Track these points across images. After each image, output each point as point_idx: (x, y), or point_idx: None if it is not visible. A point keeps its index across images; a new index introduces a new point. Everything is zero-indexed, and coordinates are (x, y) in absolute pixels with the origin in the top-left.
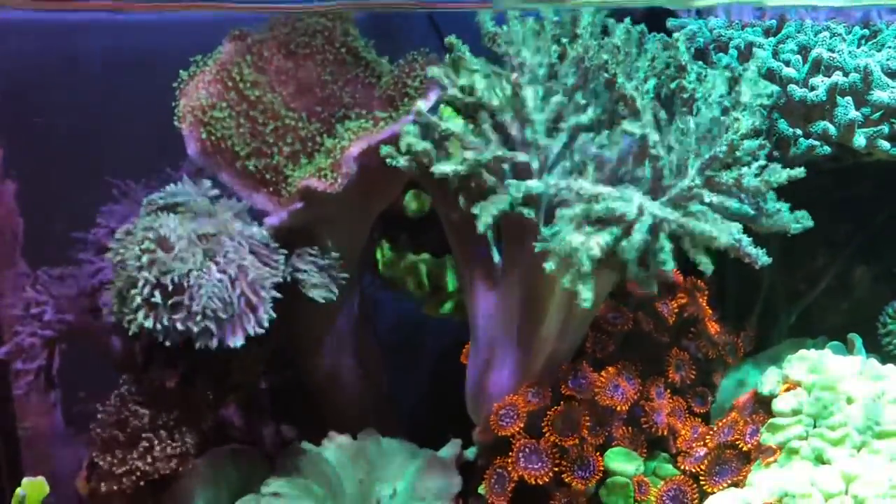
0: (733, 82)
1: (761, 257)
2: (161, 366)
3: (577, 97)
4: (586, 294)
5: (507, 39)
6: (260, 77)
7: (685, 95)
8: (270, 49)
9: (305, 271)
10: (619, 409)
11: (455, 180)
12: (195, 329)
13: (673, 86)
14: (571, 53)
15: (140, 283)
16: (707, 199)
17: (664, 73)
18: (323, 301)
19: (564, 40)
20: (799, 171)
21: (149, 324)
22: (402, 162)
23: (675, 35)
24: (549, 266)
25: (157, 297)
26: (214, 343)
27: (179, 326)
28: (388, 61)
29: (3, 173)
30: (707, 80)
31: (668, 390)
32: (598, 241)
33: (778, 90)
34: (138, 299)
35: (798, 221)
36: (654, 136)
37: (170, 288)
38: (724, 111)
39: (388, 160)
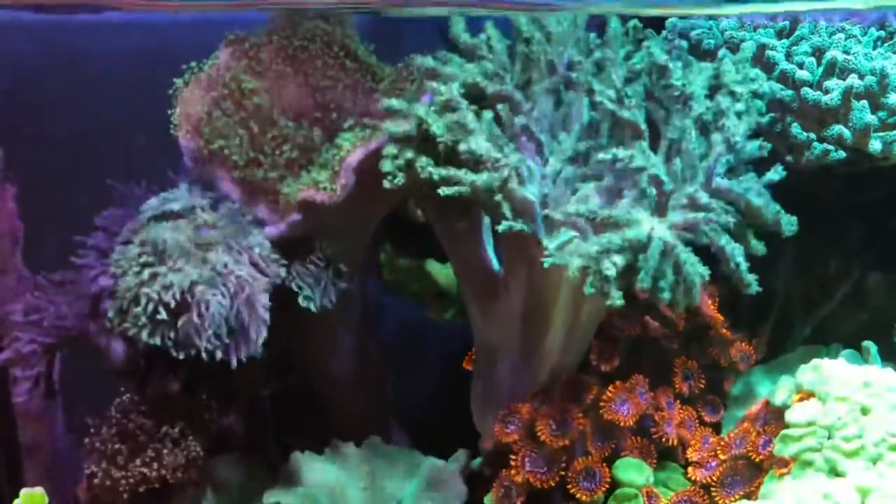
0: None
1: (753, 286)
2: (162, 373)
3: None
4: (616, 294)
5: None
6: (257, 83)
7: (676, 93)
8: (268, 53)
9: (302, 281)
10: (623, 424)
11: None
12: (201, 345)
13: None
14: (541, 56)
15: (143, 301)
16: (716, 211)
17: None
18: (316, 310)
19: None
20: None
21: (155, 341)
22: (400, 178)
23: (647, 42)
24: (572, 274)
25: (162, 313)
26: (219, 356)
27: (186, 342)
28: (390, 65)
29: (2, 177)
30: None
31: (678, 400)
32: (616, 261)
33: (771, 88)
34: (143, 318)
35: (791, 224)
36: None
37: (172, 304)
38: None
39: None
